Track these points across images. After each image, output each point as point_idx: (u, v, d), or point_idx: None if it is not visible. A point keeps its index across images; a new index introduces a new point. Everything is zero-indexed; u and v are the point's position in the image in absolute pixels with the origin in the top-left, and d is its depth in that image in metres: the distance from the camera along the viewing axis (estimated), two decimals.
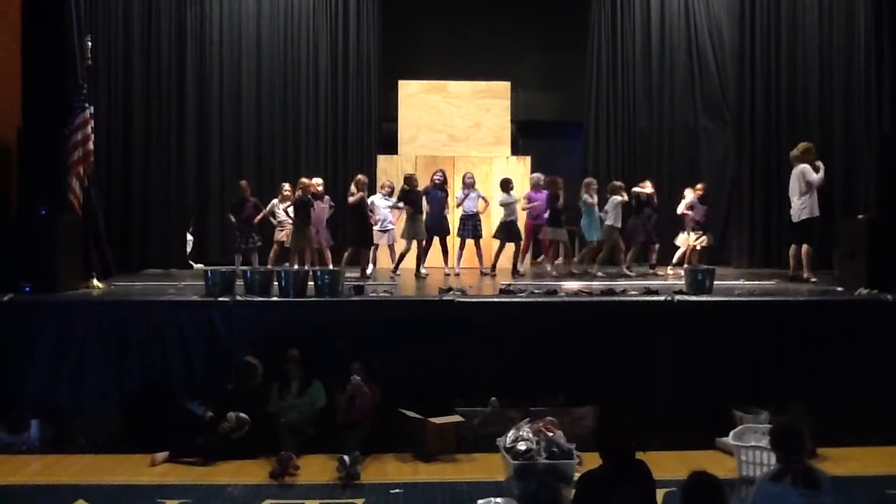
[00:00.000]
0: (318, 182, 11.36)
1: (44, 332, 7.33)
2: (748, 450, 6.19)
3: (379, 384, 6.97)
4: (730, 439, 6.50)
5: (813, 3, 12.32)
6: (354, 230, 11.02)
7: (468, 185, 11.53)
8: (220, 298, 7.54)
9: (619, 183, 11.53)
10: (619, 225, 11.16)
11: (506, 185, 11.45)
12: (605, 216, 11.15)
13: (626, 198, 11.19)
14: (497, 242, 11.41)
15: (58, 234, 8.10)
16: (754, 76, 12.92)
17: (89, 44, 9.25)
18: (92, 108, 9.03)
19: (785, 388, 7.14)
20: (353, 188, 10.96)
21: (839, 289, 8.70)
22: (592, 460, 5.68)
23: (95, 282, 8.84)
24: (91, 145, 8.93)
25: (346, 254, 11.03)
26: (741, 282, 9.89)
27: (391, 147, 13.49)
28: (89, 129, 8.89)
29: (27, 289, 7.76)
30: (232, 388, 6.90)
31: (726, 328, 7.55)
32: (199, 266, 11.71)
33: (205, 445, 6.54)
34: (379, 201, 11.37)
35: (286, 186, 11.63)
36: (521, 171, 12.97)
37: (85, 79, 9.09)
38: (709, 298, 7.97)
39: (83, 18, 9.35)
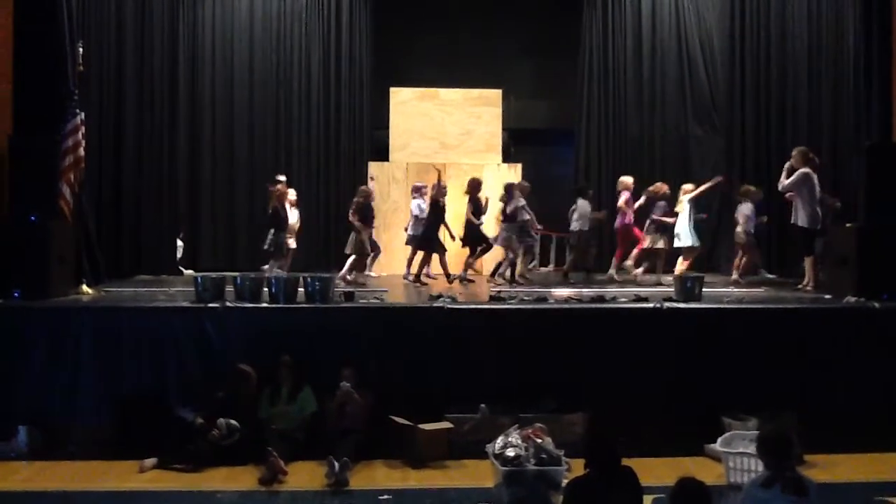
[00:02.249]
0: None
1: (34, 339, 7.31)
2: (736, 456, 6.21)
3: (370, 390, 6.98)
4: (718, 446, 6.53)
5: (802, 12, 12.42)
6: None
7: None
8: (211, 304, 7.54)
9: (751, 187, 11.33)
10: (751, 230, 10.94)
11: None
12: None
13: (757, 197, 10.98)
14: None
15: (48, 240, 8.08)
16: (744, 84, 13.02)
17: (81, 50, 9.25)
18: (83, 115, 9.00)
19: (773, 395, 7.17)
20: (432, 192, 11.07)
21: (828, 297, 8.74)
22: (581, 467, 5.71)
23: (85, 288, 8.81)
24: (82, 151, 8.90)
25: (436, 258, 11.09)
26: (730, 289, 9.93)
27: (382, 154, 13.52)
28: (80, 135, 8.86)
29: (17, 294, 7.73)
30: (223, 395, 6.90)
31: (715, 335, 7.58)
32: (190, 272, 11.70)
33: (194, 452, 6.53)
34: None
35: (293, 192, 11.70)
36: (512, 178, 12.99)
37: (76, 85, 9.08)
38: (698, 305, 8.01)
39: (75, 24, 9.34)
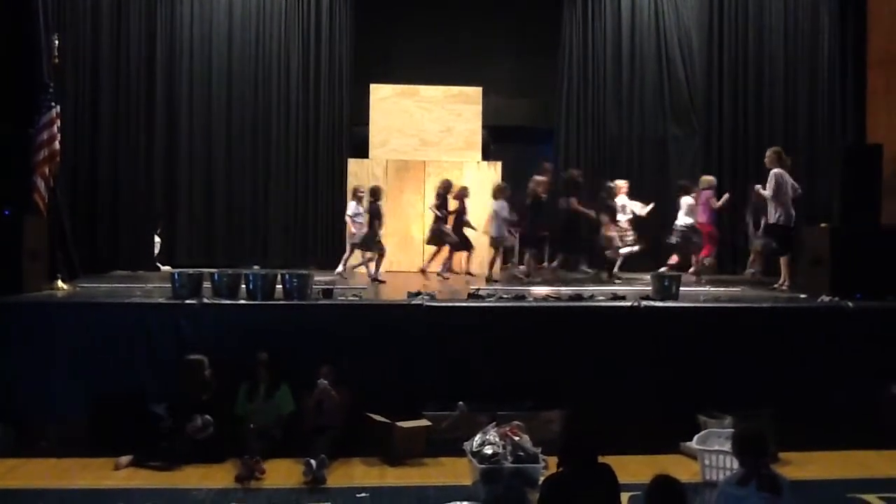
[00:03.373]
0: None
1: (6, 334, 7.23)
2: (712, 454, 6.26)
3: (348, 388, 6.96)
4: (694, 443, 6.57)
5: (779, 16, 12.57)
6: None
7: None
8: (187, 301, 7.49)
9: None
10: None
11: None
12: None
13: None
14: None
15: (22, 234, 7.98)
16: (722, 86, 13.18)
17: (56, 42, 9.14)
18: (58, 108, 8.92)
19: (749, 393, 7.24)
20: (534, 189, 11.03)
21: (802, 296, 8.83)
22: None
23: (60, 283, 8.72)
24: (57, 145, 8.82)
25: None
26: (707, 288, 10.00)
27: (362, 151, 13.48)
28: (55, 128, 8.77)
29: None
30: (181, 390, 6.83)
31: (691, 334, 7.64)
32: (167, 268, 11.62)
33: (170, 449, 6.48)
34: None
35: (361, 187, 11.73)
36: (491, 176, 13.02)
37: (52, 78, 8.99)
38: (675, 304, 8.06)
39: (50, 17, 9.26)
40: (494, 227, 11.39)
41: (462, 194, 11.55)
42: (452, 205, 11.56)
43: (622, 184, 11.94)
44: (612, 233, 11.13)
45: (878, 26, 9.80)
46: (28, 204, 8.35)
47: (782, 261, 9.89)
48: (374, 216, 11.12)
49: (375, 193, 11.23)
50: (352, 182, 12.80)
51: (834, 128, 10.74)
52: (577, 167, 13.73)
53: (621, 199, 11.72)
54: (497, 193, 11.45)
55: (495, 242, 11.48)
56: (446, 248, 11.40)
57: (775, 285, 9.91)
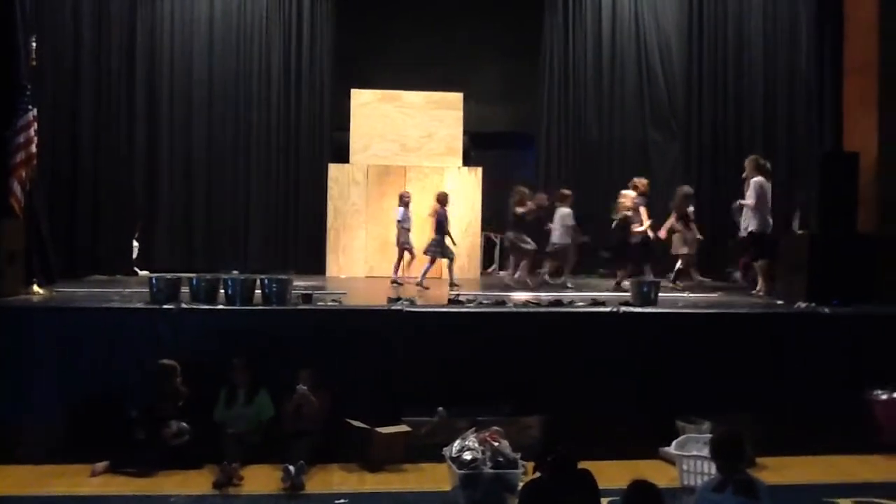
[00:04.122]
0: None
1: None
2: (690, 459, 6.29)
3: (328, 393, 6.94)
4: (672, 449, 6.61)
5: (758, 22, 12.68)
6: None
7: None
8: (165, 306, 7.44)
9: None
10: None
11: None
12: None
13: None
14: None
15: None
16: (701, 92, 13.30)
17: (34, 44, 9.07)
18: (36, 111, 8.85)
19: (727, 399, 7.27)
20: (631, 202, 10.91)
21: (780, 302, 8.90)
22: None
23: (37, 288, 8.64)
24: (34, 148, 8.76)
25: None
26: (685, 294, 10.06)
27: (343, 156, 13.45)
28: (32, 131, 8.71)
29: None
30: (154, 396, 6.79)
31: (670, 339, 7.68)
32: (145, 273, 11.53)
33: (147, 455, 6.44)
34: None
35: (407, 193, 11.67)
36: (472, 181, 13.04)
37: (29, 80, 8.92)
38: (654, 310, 8.10)
39: (29, 18, 9.17)
40: (558, 234, 11.20)
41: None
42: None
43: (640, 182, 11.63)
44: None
45: (855, 34, 9.90)
46: (4, 207, 8.28)
47: (758, 267, 9.96)
48: (443, 222, 11.10)
49: (443, 200, 11.23)
50: (332, 187, 12.77)
51: (811, 134, 10.82)
52: (559, 173, 13.84)
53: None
54: (563, 200, 11.35)
55: (559, 250, 11.31)
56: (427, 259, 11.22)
57: (752, 291, 9.98)
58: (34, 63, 9.11)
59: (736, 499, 4.18)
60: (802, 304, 8.33)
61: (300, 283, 8.98)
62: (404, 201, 11.53)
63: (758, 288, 9.93)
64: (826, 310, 8.03)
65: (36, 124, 8.82)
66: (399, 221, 11.45)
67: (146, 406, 6.80)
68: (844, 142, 9.94)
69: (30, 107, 8.70)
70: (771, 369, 7.63)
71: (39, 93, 9.49)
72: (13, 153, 8.50)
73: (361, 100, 13.44)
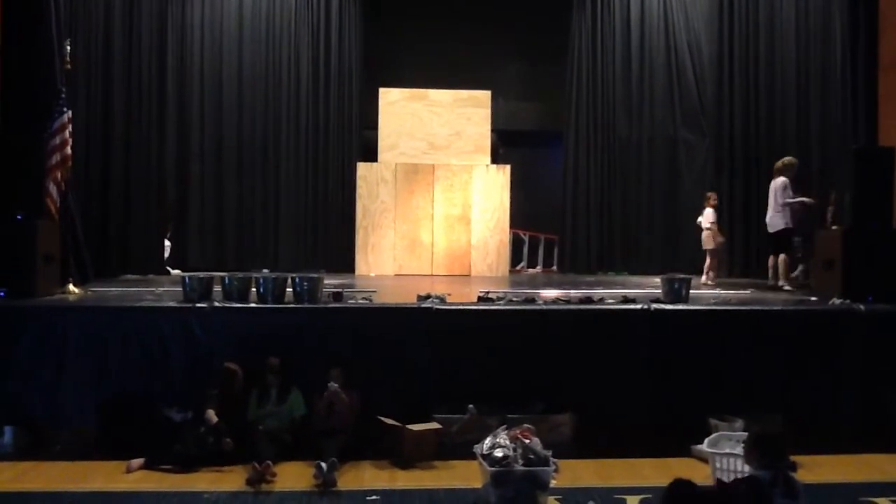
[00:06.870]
0: None
1: (20, 338, 7.24)
2: (723, 457, 6.23)
3: (358, 391, 6.97)
4: (705, 447, 6.55)
5: (790, 18, 12.53)
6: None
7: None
8: (198, 304, 7.51)
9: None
10: None
11: None
12: None
13: None
14: None
15: (34, 238, 8.02)
16: (732, 89, 13.15)
17: (68, 48, 9.21)
18: (70, 113, 8.98)
19: (759, 396, 7.21)
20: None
21: (814, 298, 8.80)
22: (568, 467, 5.77)
23: (72, 287, 8.77)
24: (69, 150, 8.88)
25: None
26: (718, 291, 9.98)
27: (371, 155, 13.52)
28: (67, 133, 8.83)
29: (2, 294, 7.69)
30: (216, 393, 6.86)
31: (702, 336, 7.61)
32: (177, 272, 11.66)
33: (182, 452, 6.51)
34: None
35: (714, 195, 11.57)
36: (500, 179, 13.03)
37: (64, 83, 9.05)
38: (685, 307, 8.02)
39: (63, 22, 9.31)
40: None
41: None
42: None
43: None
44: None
45: (889, 29, 9.76)
46: (40, 208, 8.39)
47: (780, 261, 9.98)
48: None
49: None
50: (360, 186, 12.84)
51: (845, 130, 10.68)
52: (587, 172, 13.80)
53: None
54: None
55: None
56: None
57: (777, 283, 10.08)
58: (68, 66, 9.24)
59: (781, 498, 4.13)
60: (837, 301, 8.23)
61: (330, 282, 9.02)
62: (711, 203, 11.36)
63: (780, 282, 10.05)
64: (861, 307, 7.92)
65: (70, 126, 8.94)
66: (711, 223, 11.33)
67: (188, 403, 6.89)
68: (879, 137, 9.81)
69: (65, 109, 8.83)
70: (804, 366, 7.53)
71: (73, 96, 9.64)
72: (49, 155, 8.62)
73: (389, 98, 13.49)
